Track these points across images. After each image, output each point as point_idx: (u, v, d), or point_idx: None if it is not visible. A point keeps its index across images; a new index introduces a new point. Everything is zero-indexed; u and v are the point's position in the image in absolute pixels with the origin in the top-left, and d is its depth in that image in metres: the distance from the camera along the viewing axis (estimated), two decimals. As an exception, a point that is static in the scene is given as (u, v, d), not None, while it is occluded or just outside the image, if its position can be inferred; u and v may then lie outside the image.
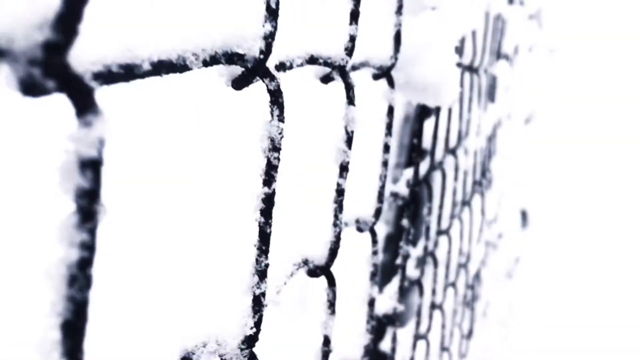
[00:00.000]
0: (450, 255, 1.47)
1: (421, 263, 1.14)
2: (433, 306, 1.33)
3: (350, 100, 0.55)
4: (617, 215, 4.10)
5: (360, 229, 0.77)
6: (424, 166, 1.07)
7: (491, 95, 1.99)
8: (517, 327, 3.23)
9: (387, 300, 0.94)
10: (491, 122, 1.90)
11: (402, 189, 0.91)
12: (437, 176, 1.23)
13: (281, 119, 0.38)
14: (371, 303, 0.78)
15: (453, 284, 1.62)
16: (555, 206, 3.96)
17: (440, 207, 1.26)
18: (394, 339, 0.97)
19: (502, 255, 2.95)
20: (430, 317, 1.33)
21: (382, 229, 1.32)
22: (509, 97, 2.51)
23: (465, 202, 1.67)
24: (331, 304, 0.60)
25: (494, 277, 2.69)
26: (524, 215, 3.43)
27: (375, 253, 0.78)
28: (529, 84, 3.20)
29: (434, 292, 1.32)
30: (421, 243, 1.15)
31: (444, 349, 1.66)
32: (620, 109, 4.78)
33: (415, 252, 1.17)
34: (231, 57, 0.36)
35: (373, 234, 0.77)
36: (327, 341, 0.60)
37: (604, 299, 3.61)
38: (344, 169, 0.57)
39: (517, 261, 3.45)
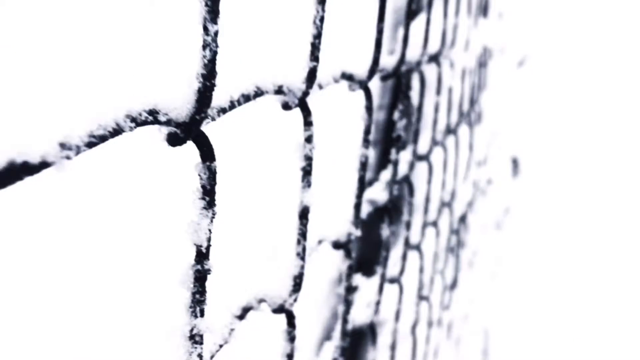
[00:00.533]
0: (430, 187, 1.22)
1: (390, 185, 0.89)
2: (407, 244, 1.08)
3: None
4: (613, 167, 3.86)
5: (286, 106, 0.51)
6: (392, 59, 0.80)
7: (484, 12, 1.72)
8: (506, 280, 3.01)
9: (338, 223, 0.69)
10: (482, 42, 1.64)
11: (359, 72, 0.65)
12: (414, 81, 0.97)
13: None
14: (303, 214, 0.53)
15: (434, 223, 1.38)
16: (547, 155, 3.71)
17: (418, 120, 1.01)
18: (348, 277, 0.72)
19: (491, 204, 2.71)
20: (404, 257, 1.08)
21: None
22: (503, 26, 2.24)
23: (451, 130, 1.42)
24: (206, 191, 0.35)
25: (482, 226, 2.45)
26: (515, 163, 3.18)
27: (308, 139, 0.52)
28: (523, 19, 2.93)
29: (408, 226, 1.07)
30: (391, 159, 0.89)
31: (422, 297, 1.42)
32: (618, 56, 4.51)
33: (384, 173, 0.92)
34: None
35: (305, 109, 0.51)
36: (200, 255, 0.35)
37: (596, 254, 3.39)
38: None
39: (506, 211, 3.21)
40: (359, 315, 0.91)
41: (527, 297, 3.07)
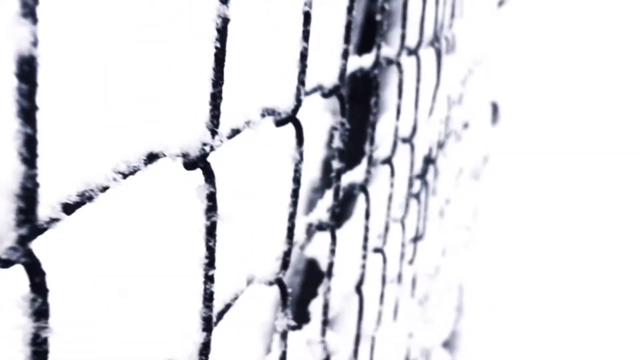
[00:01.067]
0: (376, 111, 0.96)
1: (297, 93, 0.62)
2: (339, 178, 0.82)
3: None
4: (600, 115, 3.60)
5: None
6: None
7: None
8: (483, 233, 2.78)
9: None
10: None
11: None
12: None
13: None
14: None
15: (388, 161, 1.12)
16: (529, 102, 3.44)
17: (348, 26, 0.74)
18: (208, 213, 0.46)
19: (468, 151, 2.46)
20: (336, 195, 0.82)
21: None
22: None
23: (410, 50, 1.15)
24: None
25: (457, 173, 2.20)
26: (494, 108, 2.92)
27: None
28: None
29: (341, 156, 0.81)
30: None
31: (370, 249, 1.17)
32: (603, 2, 4.22)
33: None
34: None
35: None
36: None
37: (578, 207, 3.16)
38: None
39: (485, 160, 2.96)
40: (263, 272, 0.66)
41: (506, 251, 2.84)
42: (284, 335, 0.68)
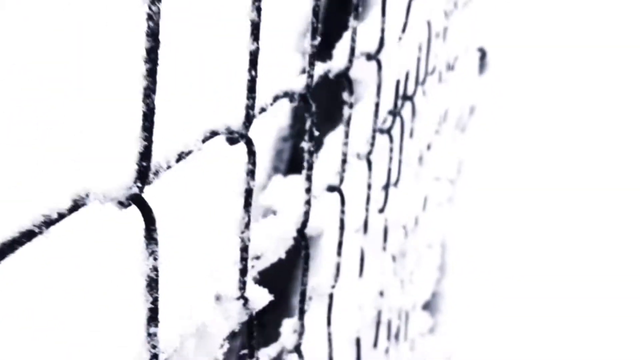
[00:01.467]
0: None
1: None
2: (252, 83, 0.57)
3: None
4: (598, 66, 3.35)
5: None
6: None
7: None
8: (467, 188, 2.54)
9: None
10: None
11: None
12: None
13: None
14: None
15: (344, 75, 0.87)
16: (521, 50, 3.18)
17: None
18: None
19: (452, 96, 2.21)
20: (251, 90, 0.58)
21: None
22: None
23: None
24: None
25: (439, 117, 1.95)
26: (482, 54, 2.66)
27: None
28: None
29: (255, 46, 0.56)
30: None
31: (329, 188, 0.93)
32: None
33: None
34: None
35: None
36: None
37: (570, 164, 2.92)
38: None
39: (472, 111, 2.71)
40: (105, 185, 0.41)
41: (492, 208, 2.60)
42: (151, 286, 0.44)
